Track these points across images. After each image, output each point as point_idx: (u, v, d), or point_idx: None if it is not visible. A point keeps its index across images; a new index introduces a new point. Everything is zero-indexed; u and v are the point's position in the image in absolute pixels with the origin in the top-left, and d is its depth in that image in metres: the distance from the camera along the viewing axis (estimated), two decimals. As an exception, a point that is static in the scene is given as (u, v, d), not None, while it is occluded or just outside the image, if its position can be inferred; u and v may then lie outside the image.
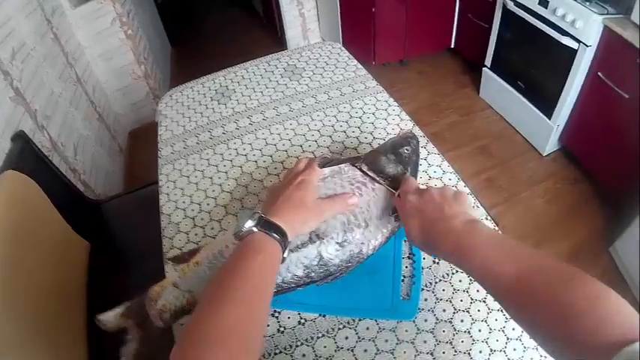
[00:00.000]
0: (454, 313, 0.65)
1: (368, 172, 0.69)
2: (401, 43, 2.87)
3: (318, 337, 0.65)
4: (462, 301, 0.66)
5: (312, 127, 1.01)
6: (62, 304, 1.04)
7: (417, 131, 0.96)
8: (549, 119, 2.14)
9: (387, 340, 0.63)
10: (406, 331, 0.64)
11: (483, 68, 2.56)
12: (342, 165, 0.71)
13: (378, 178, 0.68)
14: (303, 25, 3.22)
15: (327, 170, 0.70)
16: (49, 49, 1.87)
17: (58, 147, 1.68)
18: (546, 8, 1.90)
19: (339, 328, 0.65)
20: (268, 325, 0.67)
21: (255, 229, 0.54)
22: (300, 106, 1.09)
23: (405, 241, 0.73)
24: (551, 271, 0.43)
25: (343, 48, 1.30)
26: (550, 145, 2.23)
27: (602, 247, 1.84)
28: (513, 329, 0.63)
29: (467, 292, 0.67)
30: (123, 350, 0.59)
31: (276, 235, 0.54)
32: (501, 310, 0.65)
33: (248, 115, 1.08)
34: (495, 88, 2.53)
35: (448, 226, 0.52)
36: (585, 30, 1.76)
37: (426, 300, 0.67)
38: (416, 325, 0.64)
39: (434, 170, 0.86)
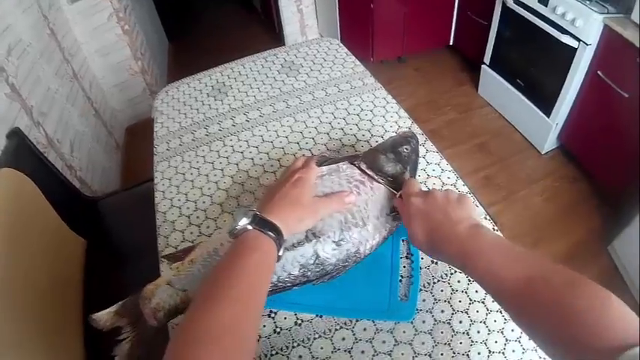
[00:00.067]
0: (453, 314, 0.64)
1: (366, 171, 0.68)
2: (399, 39, 2.85)
3: (314, 338, 0.64)
4: (460, 301, 0.65)
5: (310, 125, 1.00)
6: (58, 302, 1.03)
7: (416, 129, 0.95)
8: (548, 117, 2.13)
9: (384, 342, 0.62)
10: (404, 332, 0.63)
11: (482, 66, 2.55)
12: (340, 163, 0.70)
13: (376, 177, 0.67)
14: (301, 21, 3.21)
15: (324, 168, 0.69)
16: (45, 45, 1.85)
17: (54, 143, 1.67)
18: (546, 6, 1.89)
19: (336, 329, 0.64)
20: (264, 326, 0.66)
21: (249, 227, 0.53)
22: (298, 102, 1.07)
23: (403, 240, 0.72)
24: (556, 276, 0.43)
25: (341, 44, 1.29)
26: (549, 143, 2.22)
27: (600, 246, 1.83)
28: (512, 330, 0.62)
29: (465, 292, 0.66)
30: (117, 350, 0.59)
31: (270, 233, 0.54)
32: (500, 311, 0.64)
33: (244, 111, 1.07)
34: (494, 86, 2.52)
35: (453, 230, 0.52)
36: (585, 29, 1.75)
37: (424, 301, 0.66)
38: (414, 326, 0.63)
39: (432, 169, 0.85)
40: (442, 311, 0.64)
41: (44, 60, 1.80)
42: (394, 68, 3.03)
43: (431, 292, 0.67)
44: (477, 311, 0.64)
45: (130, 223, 1.37)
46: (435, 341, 0.62)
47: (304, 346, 0.63)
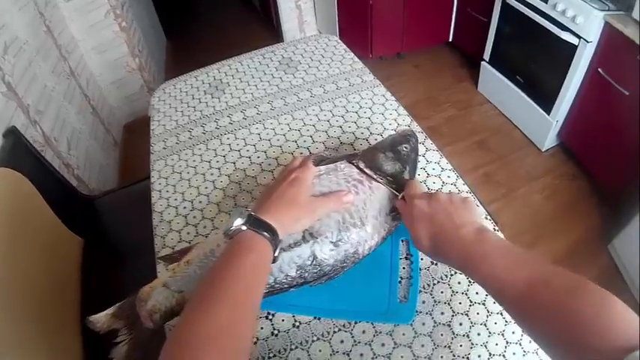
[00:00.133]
0: (453, 316, 0.63)
1: (365, 170, 0.67)
2: (398, 36, 2.83)
3: (312, 341, 0.63)
4: (460, 303, 0.64)
5: (308, 122, 0.99)
6: (56, 302, 1.02)
7: (415, 127, 0.94)
8: (548, 115, 2.12)
9: (383, 344, 0.61)
10: (403, 334, 0.62)
11: (482, 62, 2.53)
12: (338, 162, 0.69)
13: (376, 177, 0.66)
14: (300, 17, 3.19)
15: (322, 167, 0.68)
16: (42, 43, 1.84)
17: (51, 142, 1.66)
18: (546, 3, 1.88)
19: (335, 332, 0.63)
20: (262, 328, 0.65)
21: (244, 228, 0.53)
22: (295, 100, 1.06)
23: (402, 240, 0.71)
24: (560, 280, 0.43)
25: (340, 41, 1.27)
26: (549, 140, 2.21)
27: (600, 245, 1.82)
28: (513, 333, 0.61)
29: (466, 294, 0.65)
30: (114, 352, 0.58)
31: (266, 234, 0.53)
32: (501, 313, 0.63)
33: (242, 109, 1.06)
34: (494, 83, 2.50)
35: (457, 234, 0.52)
36: (586, 26, 1.74)
37: (423, 302, 0.65)
38: (413, 329, 0.62)
39: (432, 167, 0.84)
40: (442, 313, 0.64)
41: (40, 58, 1.78)
42: (393, 64, 3.01)
43: (431, 294, 0.66)
44: (478, 313, 0.63)
45: (127, 222, 1.36)
46: (434, 344, 0.61)
47: (302, 349, 0.62)
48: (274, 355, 0.62)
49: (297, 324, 0.65)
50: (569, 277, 0.43)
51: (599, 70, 1.78)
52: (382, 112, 0.99)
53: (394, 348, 0.61)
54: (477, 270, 0.49)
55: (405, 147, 0.69)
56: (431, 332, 0.62)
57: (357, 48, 1.52)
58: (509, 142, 2.37)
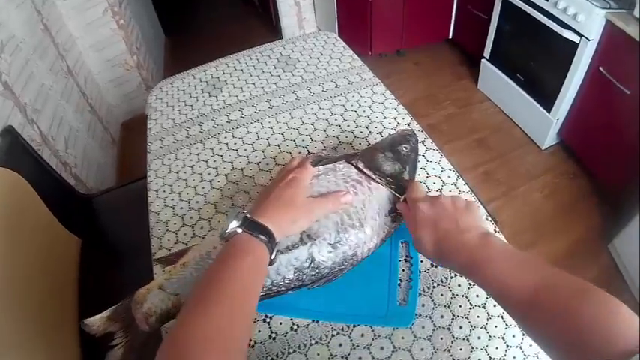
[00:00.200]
0: (452, 319, 0.62)
1: (364, 170, 0.66)
2: (398, 33, 2.81)
3: (311, 344, 0.62)
4: (460, 306, 0.63)
5: (306, 121, 0.98)
6: (53, 302, 1.01)
7: (415, 126, 0.93)
8: (549, 113, 2.10)
9: (382, 348, 0.60)
10: (402, 338, 0.61)
11: (482, 60, 2.52)
12: (337, 162, 0.68)
13: (376, 177, 0.65)
14: (299, 14, 3.17)
15: (321, 168, 0.67)
16: (39, 41, 1.82)
17: (48, 141, 1.64)
18: (547, 1, 1.86)
19: (333, 335, 0.62)
20: (259, 331, 0.64)
21: (239, 230, 0.52)
22: (294, 98, 1.05)
23: (402, 242, 0.70)
24: (565, 284, 0.43)
25: (339, 38, 1.26)
26: (549, 139, 2.20)
27: (600, 244, 1.82)
28: (513, 336, 0.60)
29: (466, 297, 0.64)
30: (109, 355, 0.57)
31: (262, 237, 0.52)
32: (501, 316, 0.62)
33: (239, 107, 1.04)
34: (494, 81, 2.49)
35: (462, 239, 0.52)
36: (587, 24, 1.72)
37: (423, 305, 0.64)
38: (413, 332, 0.61)
39: (432, 167, 0.83)
40: (442, 316, 0.63)
41: (38, 56, 1.77)
42: (393, 62, 2.99)
43: (430, 297, 0.65)
44: (478, 316, 0.62)
45: (125, 221, 1.35)
46: (434, 347, 0.60)
47: (300, 352, 0.61)
48: (272, 359, 0.61)
49: (295, 327, 0.64)
50: (574, 281, 0.43)
51: (601, 68, 1.76)
52: (382, 111, 0.98)
53: (393, 352, 0.60)
54: (482, 275, 0.48)
55: (405, 147, 0.68)
56: (430, 336, 0.61)
57: (357, 45, 1.51)
58: (509, 140, 2.36)
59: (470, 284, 0.66)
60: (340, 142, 0.92)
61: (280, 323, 0.64)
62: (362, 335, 0.62)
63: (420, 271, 0.67)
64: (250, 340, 0.63)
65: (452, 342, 0.60)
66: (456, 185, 0.80)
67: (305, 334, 0.63)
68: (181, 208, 0.83)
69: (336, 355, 0.60)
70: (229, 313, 0.45)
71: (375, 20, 2.66)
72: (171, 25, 3.70)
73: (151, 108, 1.10)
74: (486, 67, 2.51)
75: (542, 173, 2.16)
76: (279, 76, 1.13)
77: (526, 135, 2.35)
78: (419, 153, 0.74)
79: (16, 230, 0.98)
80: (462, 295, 0.65)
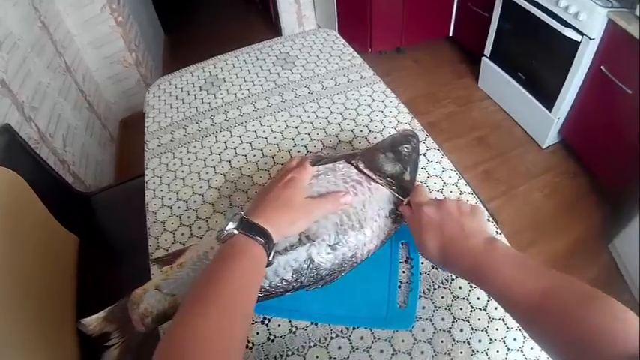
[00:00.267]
0: (453, 322, 0.61)
1: (364, 170, 0.65)
2: (398, 30, 2.80)
3: (309, 347, 0.61)
4: (461, 309, 0.62)
5: (305, 120, 0.97)
6: (51, 301, 1.01)
7: (415, 125, 0.92)
8: (550, 112, 2.09)
9: (382, 351, 0.59)
10: (402, 341, 0.60)
11: (483, 58, 2.51)
12: (337, 162, 0.67)
13: (377, 178, 0.64)
14: (299, 11, 3.15)
15: (320, 168, 0.66)
16: (36, 38, 1.81)
17: (46, 138, 1.63)
18: (549, -1, 1.85)
19: (332, 337, 0.62)
20: (257, 333, 0.63)
21: (236, 232, 0.52)
22: (293, 96, 1.04)
23: (402, 244, 0.69)
24: (572, 290, 0.43)
25: (338, 35, 1.25)
26: (550, 138, 2.19)
27: (600, 244, 1.81)
28: (514, 339, 0.59)
29: (467, 299, 0.63)
30: (105, 355, 0.57)
31: (259, 238, 0.52)
32: (502, 319, 0.61)
33: (238, 105, 1.03)
34: (495, 79, 2.48)
35: (467, 243, 0.51)
36: (589, 23, 1.71)
37: (423, 308, 0.63)
38: (413, 335, 0.60)
39: (433, 167, 0.82)
40: (442, 319, 0.62)
41: (35, 53, 1.75)
42: (393, 59, 2.98)
43: (431, 299, 0.64)
44: (479, 319, 0.61)
45: (124, 219, 1.34)
46: (434, 350, 0.59)
47: (299, 355, 0.60)
48: (270, 362, 0.60)
49: (294, 329, 0.63)
50: (580, 286, 0.43)
51: (602, 67, 1.75)
52: (382, 110, 0.97)
53: (393, 355, 0.59)
54: (488, 280, 0.48)
55: (406, 147, 0.67)
56: (431, 338, 0.60)
57: (356, 42, 1.50)
58: (509, 138, 2.35)
59: (471, 286, 0.65)
60: (340, 141, 0.91)
61: (279, 325, 0.64)
62: (361, 338, 0.61)
63: (420, 273, 0.67)
64: (248, 342, 0.62)
65: (452, 345, 0.59)
66: (457, 186, 0.79)
67: (304, 337, 0.62)
68: (179, 207, 0.82)
69: (335, 358, 0.59)
70: (228, 313, 0.45)
71: (375, 17, 2.65)
72: (170, 22, 3.68)
73: (148, 106, 1.09)
74: (487, 65, 2.50)
75: (543, 172, 2.15)
76: (278, 73, 1.12)
77: (526, 134, 2.34)
78: (420, 153, 0.72)
79: (14, 229, 0.97)
80: (463, 298, 0.64)
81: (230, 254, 0.51)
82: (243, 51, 1.22)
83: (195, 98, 1.08)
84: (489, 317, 0.62)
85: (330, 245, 0.60)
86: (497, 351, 0.59)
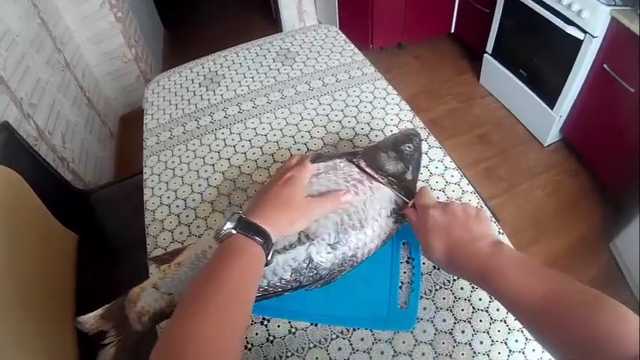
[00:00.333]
0: (455, 323, 0.61)
1: (366, 169, 0.64)
2: (399, 26, 2.78)
3: (309, 348, 0.60)
4: (463, 310, 0.62)
5: (305, 117, 0.96)
6: (50, 299, 1.00)
7: (417, 122, 0.91)
8: (552, 109, 2.08)
9: (382, 352, 0.59)
10: (403, 342, 0.59)
11: (484, 54, 2.49)
12: (338, 160, 0.66)
13: (381, 178, 0.63)
14: (299, 7, 3.13)
15: (321, 166, 0.65)
16: (35, 34, 1.80)
17: (45, 135, 1.63)
18: (551, -4, 1.83)
19: (332, 339, 0.61)
20: (256, 334, 0.62)
21: (233, 231, 0.51)
22: (293, 93, 1.03)
23: (403, 243, 0.68)
24: (578, 292, 0.43)
25: (339, 31, 1.23)
26: (552, 135, 2.18)
27: (601, 243, 1.80)
28: (516, 341, 0.59)
29: (468, 300, 0.63)
30: (101, 354, 0.56)
31: (257, 238, 0.51)
32: (504, 321, 0.60)
33: (237, 102, 1.02)
34: (496, 76, 2.46)
35: (474, 247, 0.51)
36: (592, 20, 1.69)
37: (425, 309, 0.62)
38: (414, 337, 0.60)
39: (435, 166, 0.81)
40: (444, 320, 0.61)
41: (34, 50, 1.74)
42: (394, 55, 2.96)
43: (432, 300, 0.63)
44: (480, 320, 0.61)
45: (123, 216, 1.34)
46: (435, 352, 0.58)
47: (298, 356, 0.60)
48: (269, 363, 0.60)
49: (294, 330, 0.62)
50: (585, 289, 0.43)
51: (605, 65, 1.74)
52: (383, 107, 0.96)
53: (394, 356, 0.58)
54: (494, 283, 0.48)
55: (408, 146, 0.66)
56: (432, 340, 0.59)
57: (357, 38, 1.48)
58: (511, 136, 2.33)
59: (472, 288, 0.64)
60: (340, 138, 0.89)
61: (278, 326, 0.63)
62: (362, 339, 0.60)
63: (421, 274, 0.66)
64: (247, 343, 0.62)
65: (454, 347, 0.59)
66: (459, 185, 0.78)
67: (303, 338, 0.61)
68: (177, 206, 0.81)
69: (335, 360, 0.59)
70: (228, 312, 0.45)
71: (376, 13, 2.63)
72: (170, 17, 3.66)
73: (147, 103, 1.08)
74: (489, 61, 2.48)
75: (544, 170, 2.14)
76: (278, 70, 1.11)
77: (528, 131, 2.33)
78: (422, 152, 0.72)
79: (12, 227, 0.97)
80: (465, 299, 0.63)
81: (228, 254, 0.50)
82: (243, 47, 1.21)
83: (195, 95, 1.07)
84: (491, 319, 0.61)
85: (330, 245, 0.59)
86: (499, 353, 0.58)
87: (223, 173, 0.86)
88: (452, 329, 0.60)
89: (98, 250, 1.26)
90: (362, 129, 0.91)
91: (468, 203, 0.57)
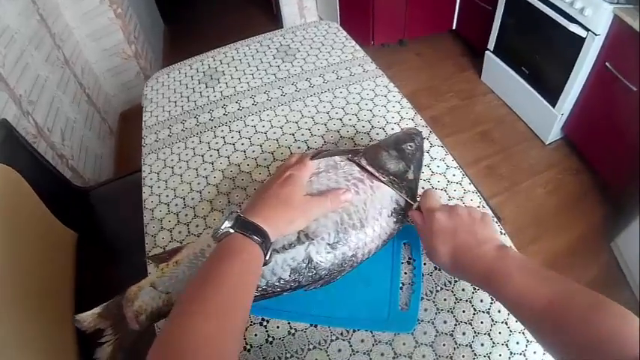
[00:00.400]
0: (455, 325, 0.60)
1: (367, 167, 0.63)
2: (401, 23, 2.77)
3: (309, 349, 0.60)
4: (464, 311, 0.61)
5: (306, 114, 0.95)
6: (49, 297, 1.00)
7: (419, 120, 0.90)
8: (554, 107, 2.07)
9: (382, 354, 0.58)
10: (404, 344, 0.59)
11: (486, 52, 2.48)
12: (338, 159, 0.65)
13: (378, 175, 0.62)
14: (300, 3, 3.12)
15: (322, 165, 0.64)
16: (34, 32, 1.79)
17: (44, 133, 1.62)
18: (554, -7, 1.82)
19: (332, 340, 0.60)
20: (255, 335, 0.62)
21: (232, 231, 0.51)
22: (293, 90, 1.02)
23: (404, 244, 0.68)
24: (581, 296, 0.43)
25: (340, 28, 1.22)
26: (553, 133, 2.17)
27: (602, 242, 1.79)
28: (517, 343, 0.58)
29: (470, 302, 0.62)
30: (98, 352, 0.56)
31: (255, 237, 0.51)
32: (505, 323, 0.60)
33: (237, 99, 1.01)
34: (498, 73, 2.45)
35: (479, 250, 0.51)
36: (594, 18, 1.68)
37: (425, 310, 0.61)
38: (414, 338, 0.59)
39: (437, 165, 0.80)
40: (445, 322, 0.60)
41: (33, 47, 1.74)
42: (395, 52, 2.95)
43: (433, 301, 0.62)
44: (482, 322, 0.60)
45: (123, 214, 1.33)
46: (436, 354, 0.58)
47: (298, 358, 0.59)
48: (268, 364, 0.59)
49: (293, 331, 0.62)
50: (589, 294, 0.43)
51: (607, 64, 1.73)
52: (384, 104, 0.95)
53: (394, 358, 0.58)
54: (499, 286, 0.48)
55: (410, 145, 0.65)
56: (433, 342, 0.59)
57: (358, 35, 1.47)
58: (512, 134, 2.32)
59: (474, 289, 0.63)
60: (341, 136, 0.89)
61: (277, 327, 0.62)
62: (362, 341, 0.60)
63: (422, 275, 0.65)
64: (246, 344, 0.61)
65: (454, 349, 0.58)
66: (460, 184, 0.77)
67: (303, 339, 0.61)
68: (176, 204, 0.81)
69: (334, 361, 0.58)
70: (227, 312, 0.45)
71: (377, 9, 2.62)
72: (170, 13, 3.65)
73: (146, 100, 1.07)
74: (490, 59, 2.47)
75: (546, 168, 2.13)
76: (278, 66, 1.10)
77: (530, 129, 2.32)
78: (424, 151, 0.71)
79: (11, 225, 0.96)
80: (466, 300, 0.62)
81: (226, 253, 0.50)
82: (243, 43, 1.20)
83: (194, 92, 1.06)
84: (492, 320, 0.60)
85: (329, 244, 0.59)
86: (500, 355, 0.57)
87: (222, 171, 0.85)
88: (453, 331, 0.59)
89: (98, 249, 1.25)
90: (363, 127, 0.90)
91: (474, 207, 0.56)
